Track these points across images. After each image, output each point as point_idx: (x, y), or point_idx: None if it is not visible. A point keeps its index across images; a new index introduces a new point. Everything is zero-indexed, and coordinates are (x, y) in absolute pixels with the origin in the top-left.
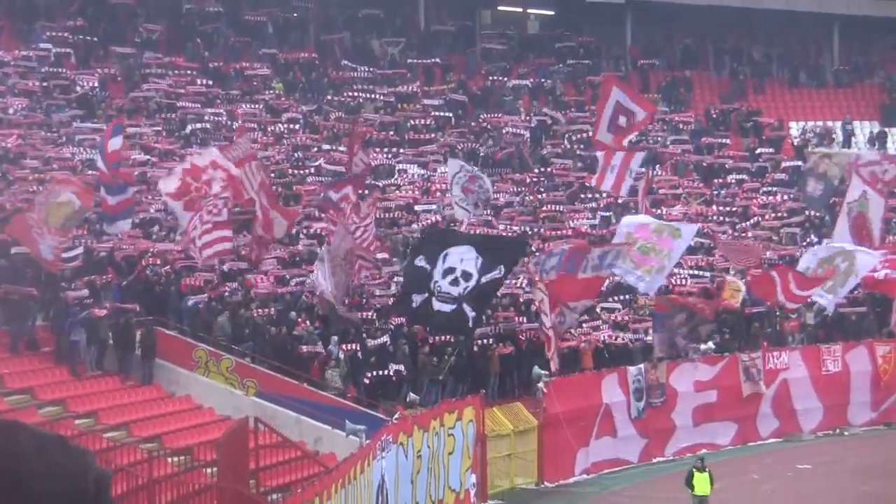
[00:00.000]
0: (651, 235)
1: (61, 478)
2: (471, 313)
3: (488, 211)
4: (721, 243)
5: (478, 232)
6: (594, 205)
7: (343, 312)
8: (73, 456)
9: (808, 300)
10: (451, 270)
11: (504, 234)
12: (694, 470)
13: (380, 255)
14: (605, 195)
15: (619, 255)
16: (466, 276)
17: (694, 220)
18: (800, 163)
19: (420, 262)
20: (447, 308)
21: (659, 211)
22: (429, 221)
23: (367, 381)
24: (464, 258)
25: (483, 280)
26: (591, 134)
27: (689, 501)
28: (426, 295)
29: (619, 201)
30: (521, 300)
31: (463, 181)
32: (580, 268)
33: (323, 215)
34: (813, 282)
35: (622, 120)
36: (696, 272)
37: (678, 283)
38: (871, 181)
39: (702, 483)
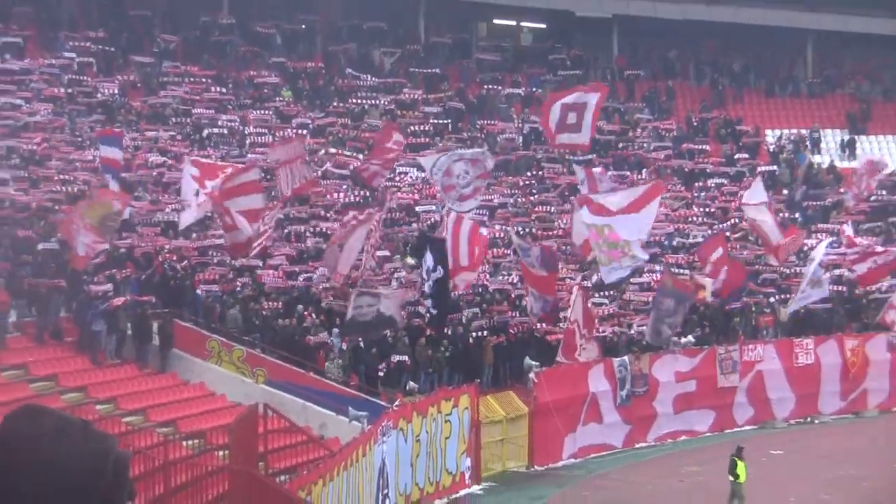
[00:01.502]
0: (601, 235)
1: (83, 459)
2: (432, 310)
3: (478, 204)
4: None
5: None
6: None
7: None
8: (94, 439)
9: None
10: (427, 270)
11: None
12: (735, 459)
13: (381, 253)
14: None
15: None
16: (428, 272)
17: (675, 221)
18: (775, 167)
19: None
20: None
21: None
22: (429, 221)
23: (379, 371)
24: (427, 258)
25: (434, 277)
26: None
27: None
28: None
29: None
30: (513, 295)
31: (440, 176)
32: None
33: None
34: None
35: (571, 117)
36: (675, 270)
37: (658, 279)
38: None
39: (743, 470)
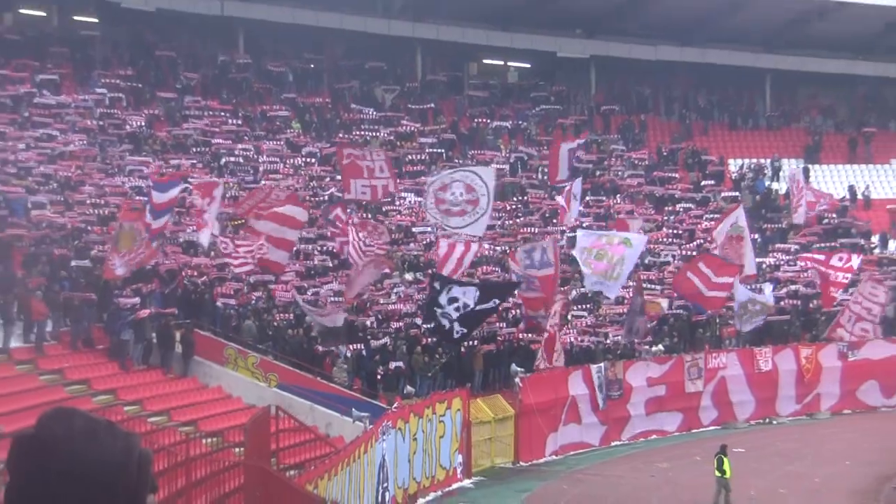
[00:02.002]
0: (603, 244)
1: (110, 456)
2: (460, 329)
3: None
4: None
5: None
6: (563, 227)
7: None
8: (120, 437)
9: (731, 290)
10: (454, 300)
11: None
12: (722, 457)
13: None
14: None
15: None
16: (465, 305)
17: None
18: (739, 194)
19: (435, 285)
20: (444, 322)
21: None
22: (426, 241)
23: (379, 376)
24: (467, 292)
25: (477, 308)
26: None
27: (653, 481)
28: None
29: (572, 224)
30: (501, 309)
31: (434, 190)
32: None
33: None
34: (728, 266)
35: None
36: (647, 285)
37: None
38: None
39: (729, 466)
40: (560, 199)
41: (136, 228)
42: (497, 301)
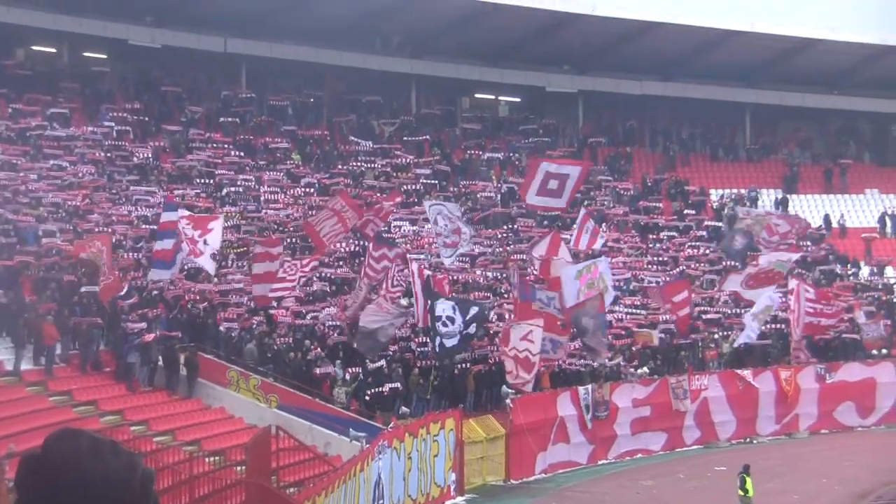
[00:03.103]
0: (586, 277)
1: (113, 475)
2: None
3: (455, 258)
4: (651, 291)
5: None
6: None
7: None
8: (123, 456)
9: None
10: (438, 318)
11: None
12: (744, 476)
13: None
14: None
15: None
16: (451, 319)
17: (632, 268)
18: (720, 223)
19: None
20: (450, 343)
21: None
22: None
23: (367, 397)
24: (445, 308)
25: (465, 332)
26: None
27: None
28: (438, 340)
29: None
30: (492, 331)
31: (431, 224)
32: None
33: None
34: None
35: (553, 184)
36: (632, 310)
37: (618, 318)
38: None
39: (751, 486)
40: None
41: (96, 255)
42: (475, 327)
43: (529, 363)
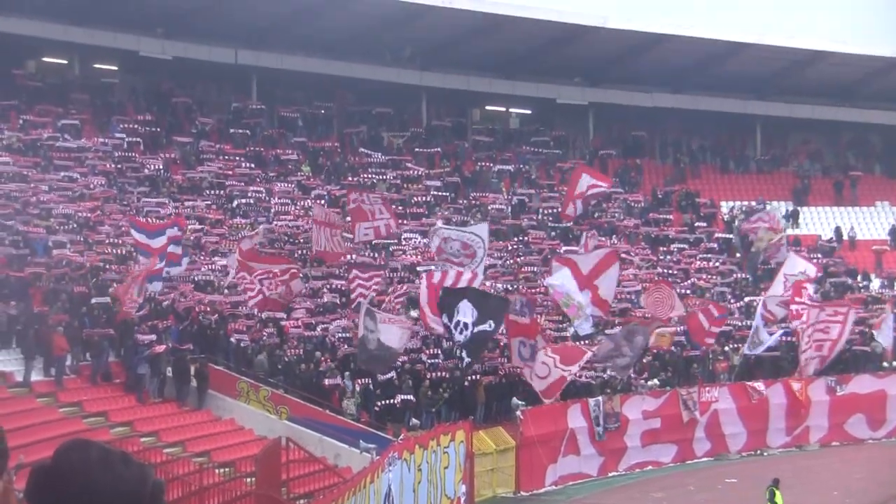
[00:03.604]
0: (560, 295)
1: (123, 486)
2: (466, 358)
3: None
4: (646, 300)
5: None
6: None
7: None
8: (134, 468)
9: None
10: (458, 323)
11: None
12: (774, 489)
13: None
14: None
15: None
16: (465, 325)
17: (643, 280)
18: (731, 235)
19: (445, 320)
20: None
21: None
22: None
23: (377, 408)
24: (465, 311)
25: (475, 330)
26: (559, 209)
27: None
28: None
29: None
30: (502, 343)
31: (437, 241)
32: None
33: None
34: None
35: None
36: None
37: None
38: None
39: (781, 499)
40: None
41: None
42: (493, 323)
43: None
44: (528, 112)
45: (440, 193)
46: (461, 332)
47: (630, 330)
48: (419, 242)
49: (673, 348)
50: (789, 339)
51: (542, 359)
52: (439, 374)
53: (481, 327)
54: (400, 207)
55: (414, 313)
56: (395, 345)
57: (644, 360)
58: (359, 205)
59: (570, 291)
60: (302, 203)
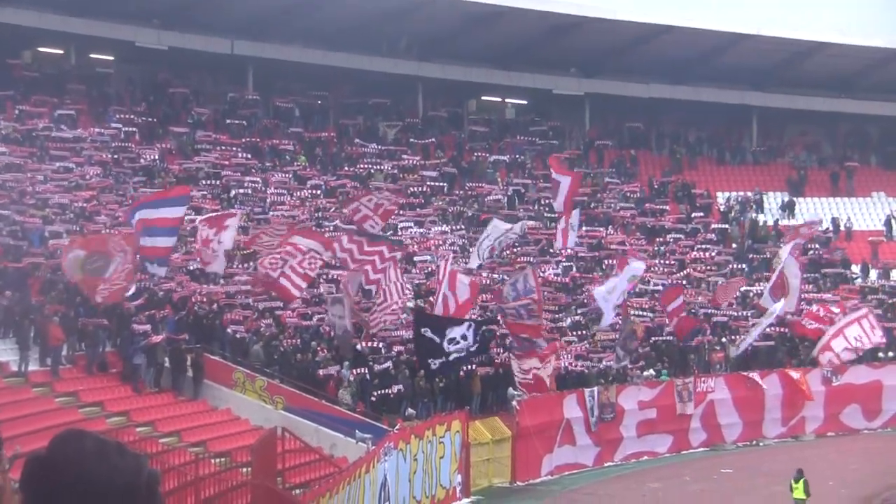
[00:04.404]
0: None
1: (119, 476)
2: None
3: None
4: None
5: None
6: (559, 258)
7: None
8: (129, 458)
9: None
10: (453, 340)
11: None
12: (798, 480)
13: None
14: (566, 250)
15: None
16: (465, 337)
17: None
18: (726, 225)
19: (427, 333)
20: (455, 357)
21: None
22: (427, 270)
23: (373, 398)
24: (461, 331)
25: (466, 353)
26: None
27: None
28: (443, 359)
29: (568, 252)
30: (498, 334)
31: (498, 242)
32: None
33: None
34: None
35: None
36: (640, 312)
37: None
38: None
39: (799, 490)
40: (559, 225)
41: (80, 253)
42: (477, 348)
43: (542, 385)
44: (524, 103)
45: (436, 184)
46: (457, 343)
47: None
48: (415, 233)
49: (670, 338)
50: (782, 330)
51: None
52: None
53: (471, 349)
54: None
55: (410, 304)
56: (348, 325)
57: (640, 351)
58: (357, 206)
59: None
60: (298, 193)
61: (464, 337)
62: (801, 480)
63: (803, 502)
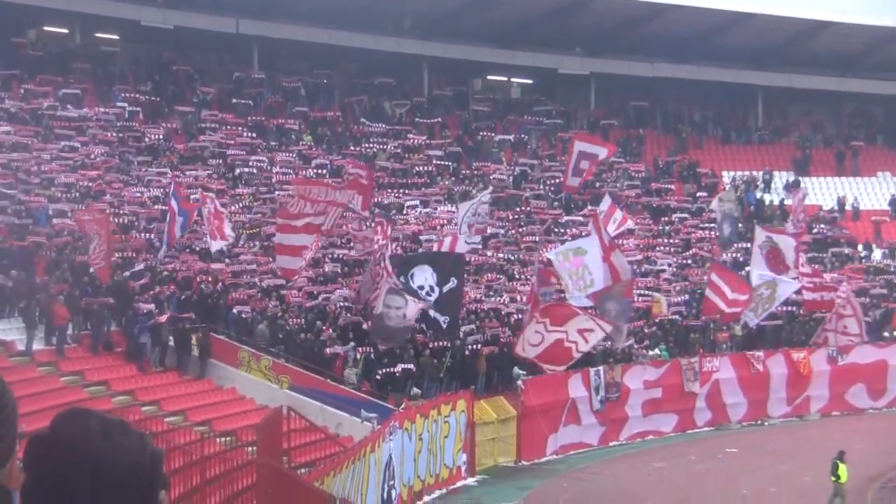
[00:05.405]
0: (564, 263)
1: (123, 455)
2: (442, 318)
3: (478, 239)
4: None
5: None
6: (564, 238)
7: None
8: (133, 437)
9: (747, 307)
10: (420, 287)
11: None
12: (838, 462)
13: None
14: (572, 230)
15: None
16: (431, 289)
17: (644, 249)
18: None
19: (402, 285)
20: (431, 314)
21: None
22: (432, 248)
23: (378, 377)
24: (426, 276)
25: (444, 290)
26: (561, 179)
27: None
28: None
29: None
30: (504, 313)
31: (469, 219)
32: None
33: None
34: (743, 285)
35: (583, 164)
36: (643, 291)
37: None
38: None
39: (845, 472)
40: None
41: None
42: (455, 280)
43: (567, 355)
44: (529, 82)
45: (442, 163)
46: (428, 294)
47: (601, 299)
48: (420, 212)
49: (675, 317)
50: (790, 309)
51: (533, 328)
52: (441, 343)
53: (448, 286)
54: (402, 177)
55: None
56: (412, 318)
57: (646, 330)
58: (356, 178)
59: (591, 264)
60: (303, 172)
61: (430, 288)
62: (845, 464)
63: (843, 486)
